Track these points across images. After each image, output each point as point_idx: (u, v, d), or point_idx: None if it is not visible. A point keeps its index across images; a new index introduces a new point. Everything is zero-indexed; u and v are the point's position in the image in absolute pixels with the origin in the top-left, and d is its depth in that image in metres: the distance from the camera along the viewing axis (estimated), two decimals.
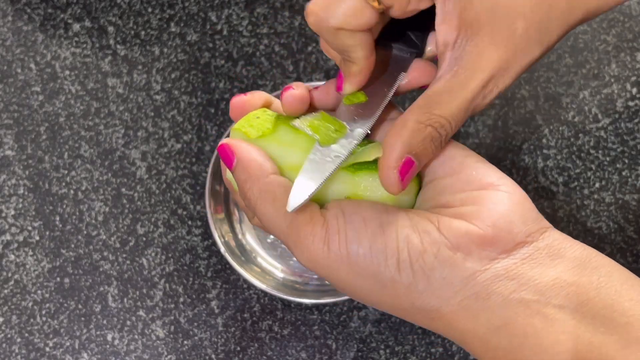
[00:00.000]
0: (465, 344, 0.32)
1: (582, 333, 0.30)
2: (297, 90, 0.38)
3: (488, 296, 0.31)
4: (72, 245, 0.59)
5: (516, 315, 0.30)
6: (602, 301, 0.30)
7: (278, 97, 0.40)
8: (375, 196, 0.36)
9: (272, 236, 0.59)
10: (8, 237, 0.59)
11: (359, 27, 0.35)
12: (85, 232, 0.59)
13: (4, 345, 0.57)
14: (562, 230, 0.59)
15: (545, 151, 0.60)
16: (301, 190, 0.34)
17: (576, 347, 0.30)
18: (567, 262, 0.31)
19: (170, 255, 0.59)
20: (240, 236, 0.59)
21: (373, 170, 0.36)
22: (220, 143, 0.37)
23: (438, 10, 0.35)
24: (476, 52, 0.34)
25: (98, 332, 0.57)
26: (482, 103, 0.35)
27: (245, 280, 0.58)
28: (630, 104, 0.61)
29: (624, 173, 0.60)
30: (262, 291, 0.57)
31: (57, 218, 0.59)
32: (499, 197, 0.32)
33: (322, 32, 0.36)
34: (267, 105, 0.40)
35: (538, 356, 0.30)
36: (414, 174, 0.34)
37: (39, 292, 0.58)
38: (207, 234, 0.59)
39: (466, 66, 0.34)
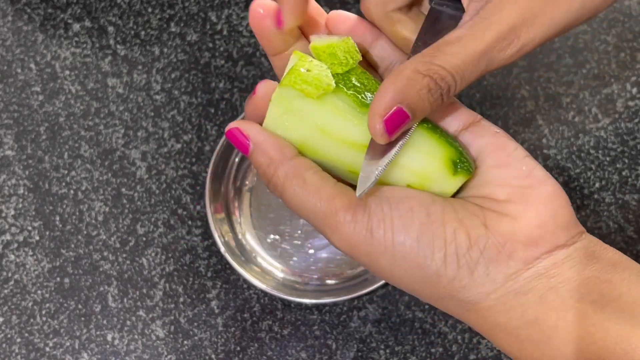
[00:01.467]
0: (493, 337, 0.33)
1: (612, 326, 0.30)
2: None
3: (526, 293, 0.31)
4: (72, 245, 0.59)
5: (550, 310, 0.31)
6: (633, 297, 0.31)
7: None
8: (436, 188, 0.34)
9: (272, 236, 0.59)
10: (8, 237, 0.59)
11: None
12: (85, 232, 0.59)
13: (4, 345, 0.57)
14: None
15: (545, 151, 0.60)
16: (369, 173, 0.32)
17: (605, 339, 0.30)
18: (602, 263, 0.32)
19: (170, 255, 0.59)
20: (240, 236, 0.59)
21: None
22: (228, 127, 0.34)
23: None
24: (499, 1, 0.32)
25: (98, 332, 0.57)
26: (500, 57, 0.32)
27: (245, 280, 0.58)
28: (630, 104, 0.61)
29: (624, 173, 0.60)
30: (262, 291, 0.57)
31: (57, 218, 0.59)
32: (544, 197, 0.32)
33: None
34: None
35: (567, 347, 0.31)
36: (407, 127, 0.32)
37: (39, 292, 0.58)
38: (207, 234, 0.59)
39: (484, 15, 0.32)
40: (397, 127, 0.31)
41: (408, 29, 0.36)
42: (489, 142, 0.34)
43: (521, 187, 0.33)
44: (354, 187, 0.33)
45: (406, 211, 0.32)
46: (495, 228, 0.32)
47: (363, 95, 0.34)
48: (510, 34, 0.32)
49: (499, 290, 0.32)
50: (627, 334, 0.30)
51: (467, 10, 0.33)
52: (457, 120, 0.35)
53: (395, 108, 0.31)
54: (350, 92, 0.33)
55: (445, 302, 0.33)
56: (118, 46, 0.63)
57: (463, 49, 0.32)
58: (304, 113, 0.33)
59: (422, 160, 0.34)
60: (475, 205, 0.33)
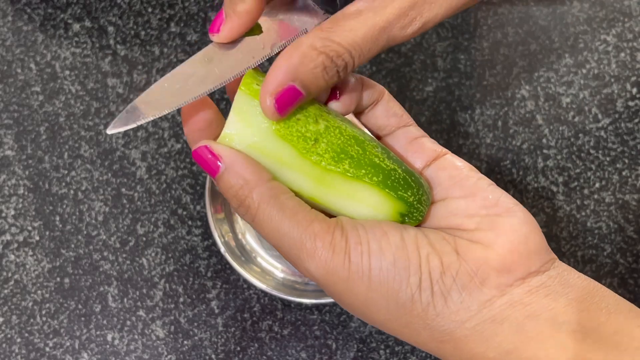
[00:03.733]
0: None
1: (593, 357, 0.30)
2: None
3: (502, 321, 0.31)
4: (72, 245, 0.59)
5: (529, 340, 0.30)
6: (612, 326, 0.30)
7: None
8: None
9: None
10: (8, 237, 0.59)
11: None
12: (85, 232, 0.59)
13: (4, 345, 0.57)
14: (562, 230, 0.60)
15: (545, 151, 0.60)
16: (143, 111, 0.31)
17: None
18: (577, 291, 0.31)
19: (170, 255, 0.59)
20: (240, 236, 0.59)
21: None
22: (196, 146, 0.32)
23: None
24: None
25: (98, 332, 0.57)
26: (401, 34, 0.31)
27: (245, 280, 0.58)
28: (630, 104, 0.61)
29: (624, 173, 0.60)
30: (262, 291, 0.57)
31: (57, 218, 0.59)
32: (514, 224, 0.32)
33: None
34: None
35: None
36: (300, 103, 0.31)
37: (39, 292, 0.58)
38: (207, 234, 0.59)
39: None
40: (289, 104, 0.31)
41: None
42: (453, 174, 0.34)
43: (489, 216, 0.32)
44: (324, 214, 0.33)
45: (381, 235, 0.31)
46: (467, 255, 0.31)
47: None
48: (412, 10, 0.31)
49: (474, 318, 0.31)
50: None
51: None
52: (422, 157, 0.35)
53: (287, 86, 0.30)
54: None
55: (420, 334, 0.32)
56: (118, 46, 0.63)
57: (362, 25, 0.31)
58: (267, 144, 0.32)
59: (369, 213, 0.33)
60: (445, 233, 0.33)
